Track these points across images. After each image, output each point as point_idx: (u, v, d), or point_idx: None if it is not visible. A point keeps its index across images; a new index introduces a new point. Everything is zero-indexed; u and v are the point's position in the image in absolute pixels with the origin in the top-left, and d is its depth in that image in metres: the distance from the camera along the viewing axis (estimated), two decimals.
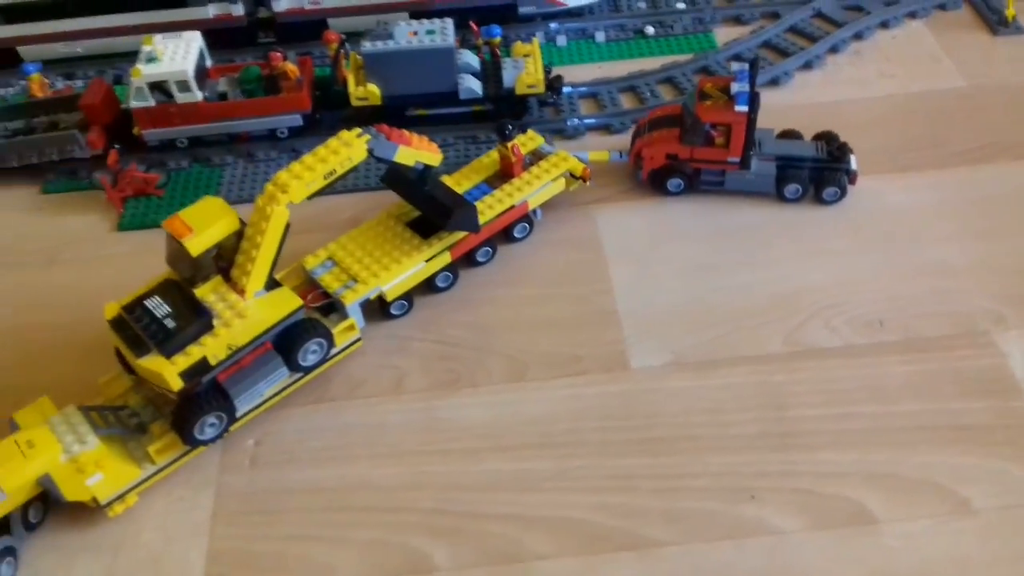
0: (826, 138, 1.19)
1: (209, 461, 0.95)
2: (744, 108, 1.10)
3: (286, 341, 0.95)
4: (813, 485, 0.90)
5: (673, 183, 1.18)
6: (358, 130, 0.98)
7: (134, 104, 1.23)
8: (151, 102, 1.23)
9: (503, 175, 1.15)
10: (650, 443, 0.95)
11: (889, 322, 1.04)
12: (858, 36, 1.42)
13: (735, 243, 1.14)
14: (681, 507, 0.89)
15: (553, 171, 1.15)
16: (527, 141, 1.18)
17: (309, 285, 1.04)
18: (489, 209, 1.10)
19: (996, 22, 1.42)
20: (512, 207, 1.11)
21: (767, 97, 1.28)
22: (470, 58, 1.30)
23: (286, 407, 1.00)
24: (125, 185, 1.24)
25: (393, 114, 1.28)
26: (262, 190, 0.93)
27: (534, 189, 1.13)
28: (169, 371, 0.87)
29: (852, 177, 1.16)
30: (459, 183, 1.14)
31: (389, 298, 1.05)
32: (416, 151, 1.03)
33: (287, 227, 0.93)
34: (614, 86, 1.36)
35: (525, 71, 1.28)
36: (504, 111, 1.28)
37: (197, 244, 0.89)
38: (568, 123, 1.30)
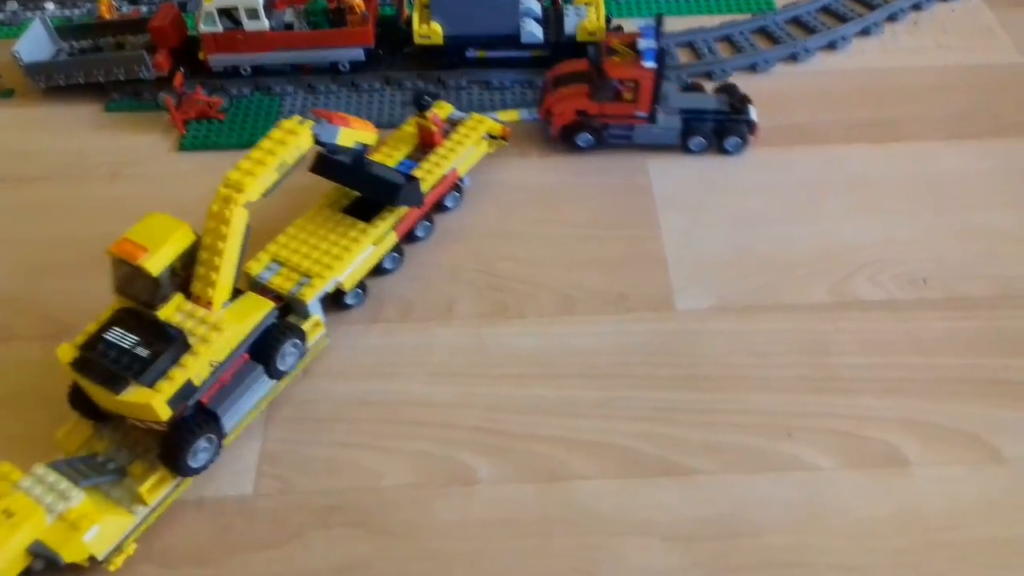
0: (728, 90, 1.22)
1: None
2: (652, 64, 1.11)
3: (262, 348, 0.90)
4: (850, 427, 0.92)
5: (583, 138, 1.20)
6: (298, 118, 0.95)
7: (203, 29, 1.26)
8: (219, 28, 1.26)
9: (423, 146, 1.14)
10: (693, 380, 0.97)
11: (933, 280, 1.05)
12: (916, 7, 1.42)
13: (785, 197, 1.16)
14: (720, 440, 0.92)
15: (473, 135, 1.15)
16: (439, 110, 1.17)
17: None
18: (424, 182, 1.08)
19: None
20: (444, 176, 1.11)
21: (823, 61, 1.29)
22: (532, 3, 1.31)
23: (341, 324, 1.03)
24: (188, 107, 1.27)
25: (454, 54, 1.30)
26: (215, 195, 0.88)
27: (459, 155, 1.12)
28: (157, 400, 0.81)
29: (752, 127, 1.19)
30: (384, 160, 1.11)
31: (347, 288, 1.02)
32: (356, 131, 1.01)
33: (248, 228, 0.88)
34: (671, 40, 1.38)
35: (587, 19, 1.29)
36: (563, 57, 1.30)
37: (156, 263, 0.83)
38: None
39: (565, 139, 1.20)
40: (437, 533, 0.86)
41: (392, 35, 1.34)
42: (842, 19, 1.40)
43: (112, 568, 0.82)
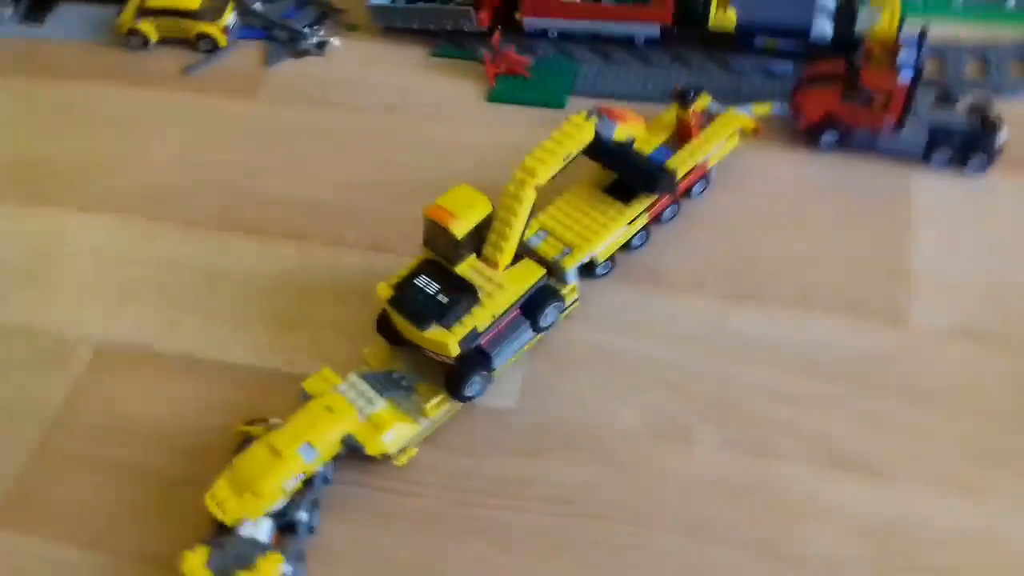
0: (980, 109, 1.21)
1: None
2: (906, 81, 1.14)
3: (531, 306, 1.07)
4: None
5: (828, 137, 1.25)
6: (584, 113, 1.09)
7: None
8: None
9: (680, 136, 1.23)
10: (912, 392, 1.06)
11: None
12: None
13: None
14: (920, 452, 1.01)
15: (726, 129, 1.22)
16: (699, 103, 1.24)
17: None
18: (677, 171, 1.18)
19: None
20: (695, 167, 1.20)
21: None
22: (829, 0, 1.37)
23: (598, 283, 1.19)
24: (500, 62, 1.45)
25: (743, 41, 1.39)
26: (511, 177, 1.04)
27: (711, 148, 1.21)
28: (451, 341, 1.01)
29: (998, 151, 1.19)
30: (642, 145, 1.21)
31: (599, 260, 1.16)
32: (629, 126, 1.14)
33: (532, 203, 1.05)
34: (962, 50, 1.38)
35: (879, 23, 1.33)
36: (846, 55, 1.35)
37: (461, 227, 1.01)
38: None
39: (810, 136, 1.28)
40: (653, 477, 1.02)
41: (688, 16, 1.43)
42: None
43: (398, 463, 1.04)
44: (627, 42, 1.46)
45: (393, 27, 1.54)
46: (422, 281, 1.05)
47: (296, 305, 1.22)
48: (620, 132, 1.15)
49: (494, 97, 1.44)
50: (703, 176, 1.26)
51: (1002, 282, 1.14)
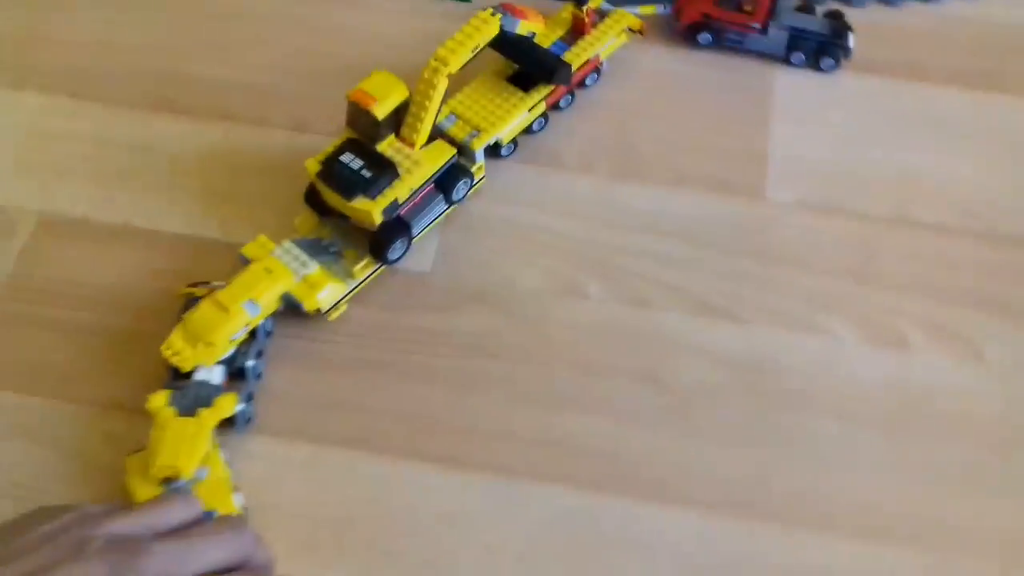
0: (834, 15, 1.44)
1: None
2: None
3: (444, 181, 1.21)
4: (874, 314, 1.21)
5: (703, 37, 1.45)
6: (491, 10, 1.22)
7: None
8: None
9: (574, 32, 1.39)
10: (764, 255, 1.26)
11: (982, 216, 1.30)
12: None
13: (879, 123, 1.39)
14: (772, 302, 1.22)
15: (616, 27, 1.39)
16: (592, 2, 1.40)
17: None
18: (573, 64, 1.34)
19: None
20: (589, 60, 1.37)
21: (953, 4, 1.49)
22: None
23: (503, 163, 1.34)
24: None
25: None
26: (426, 65, 1.16)
27: (603, 44, 1.37)
28: (375, 209, 1.14)
29: (847, 53, 1.41)
30: (540, 40, 1.35)
31: (504, 142, 1.30)
32: (530, 23, 1.28)
33: (445, 89, 1.18)
34: None
35: None
36: None
37: (381, 109, 1.14)
38: None
39: (688, 35, 1.46)
40: (552, 324, 1.20)
41: None
42: None
43: (330, 318, 1.18)
44: None
45: None
46: (347, 158, 1.17)
47: (227, 180, 1.33)
48: (522, 27, 1.28)
49: None
50: (595, 69, 1.41)
51: (842, 163, 1.35)
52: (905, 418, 1.14)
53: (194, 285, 1.18)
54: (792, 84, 1.44)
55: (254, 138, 1.37)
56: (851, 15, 1.46)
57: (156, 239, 1.27)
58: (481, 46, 1.22)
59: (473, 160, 1.29)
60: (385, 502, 1.08)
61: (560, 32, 1.41)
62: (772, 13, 1.40)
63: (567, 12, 1.41)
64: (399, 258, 1.23)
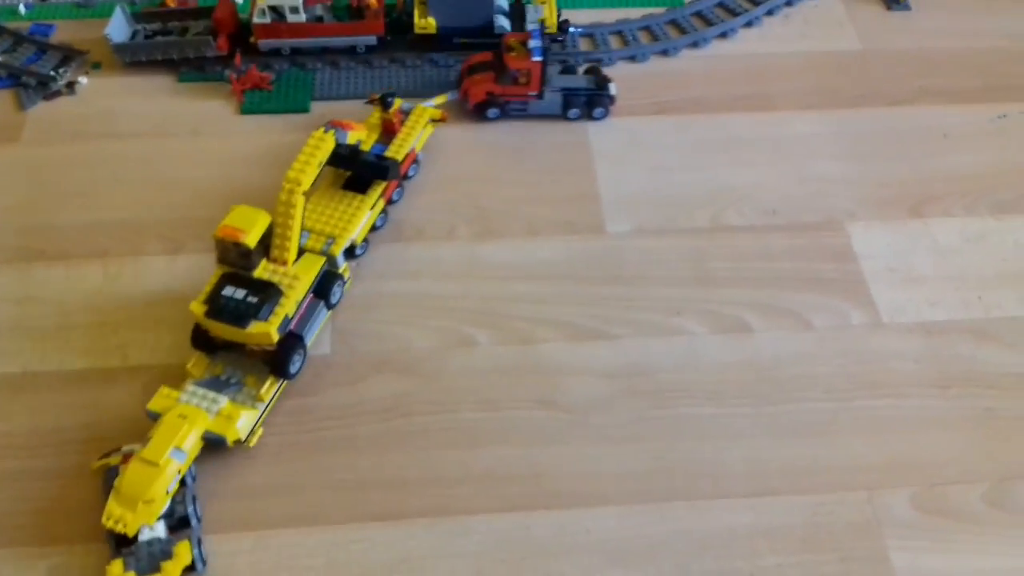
0: (593, 72, 1.69)
1: None
2: (539, 58, 1.58)
3: (321, 289, 1.32)
4: (717, 308, 1.42)
5: (492, 112, 1.66)
6: (323, 128, 1.36)
7: (256, 21, 1.67)
8: (268, 20, 1.67)
9: (387, 133, 1.56)
10: (617, 278, 1.45)
11: (781, 212, 1.55)
12: (789, 3, 1.89)
13: (684, 152, 1.63)
14: (634, 317, 1.41)
15: (421, 120, 1.58)
16: (395, 104, 1.57)
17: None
18: (397, 159, 1.51)
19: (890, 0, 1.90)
20: (407, 154, 1.54)
21: (717, 47, 1.76)
22: (503, 1, 1.74)
23: (377, 244, 1.48)
24: (246, 80, 1.68)
25: (444, 41, 1.73)
26: (281, 188, 1.25)
27: (415, 137, 1.55)
28: (271, 329, 1.19)
29: (612, 100, 1.65)
30: (362, 147, 1.51)
31: (358, 242, 1.43)
32: (356, 132, 1.44)
33: (304, 208, 1.29)
34: (605, 29, 1.82)
35: (542, 15, 1.73)
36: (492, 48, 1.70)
37: (252, 238, 1.19)
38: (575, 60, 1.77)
39: (478, 112, 1.66)
40: (452, 375, 1.33)
41: (398, 26, 1.75)
42: (733, 13, 1.86)
43: (251, 444, 1.23)
44: (350, 51, 1.74)
45: (138, 61, 1.71)
46: (228, 291, 1.23)
47: (116, 310, 1.39)
48: (351, 137, 1.43)
49: (246, 110, 1.67)
50: (414, 160, 1.58)
51: (661, 190, 1.57)
52: (763, 388, 1.34)
53: (106, 455, 1.20)
54: (600, 133, 1.66)
55: (134, 268, 1.45)
56: (638, 68, 1.71)
57: (59, 379, 1.32)
58: (324, 161, 1.34)
59: (336, 265, 1.40)
60: (337, 567, 1.17)
61: (375, 136, 1.57)
62: (544, 80, 1.62)
63: (375, 118, 1.59)
64: (299, 371, 1.30)
